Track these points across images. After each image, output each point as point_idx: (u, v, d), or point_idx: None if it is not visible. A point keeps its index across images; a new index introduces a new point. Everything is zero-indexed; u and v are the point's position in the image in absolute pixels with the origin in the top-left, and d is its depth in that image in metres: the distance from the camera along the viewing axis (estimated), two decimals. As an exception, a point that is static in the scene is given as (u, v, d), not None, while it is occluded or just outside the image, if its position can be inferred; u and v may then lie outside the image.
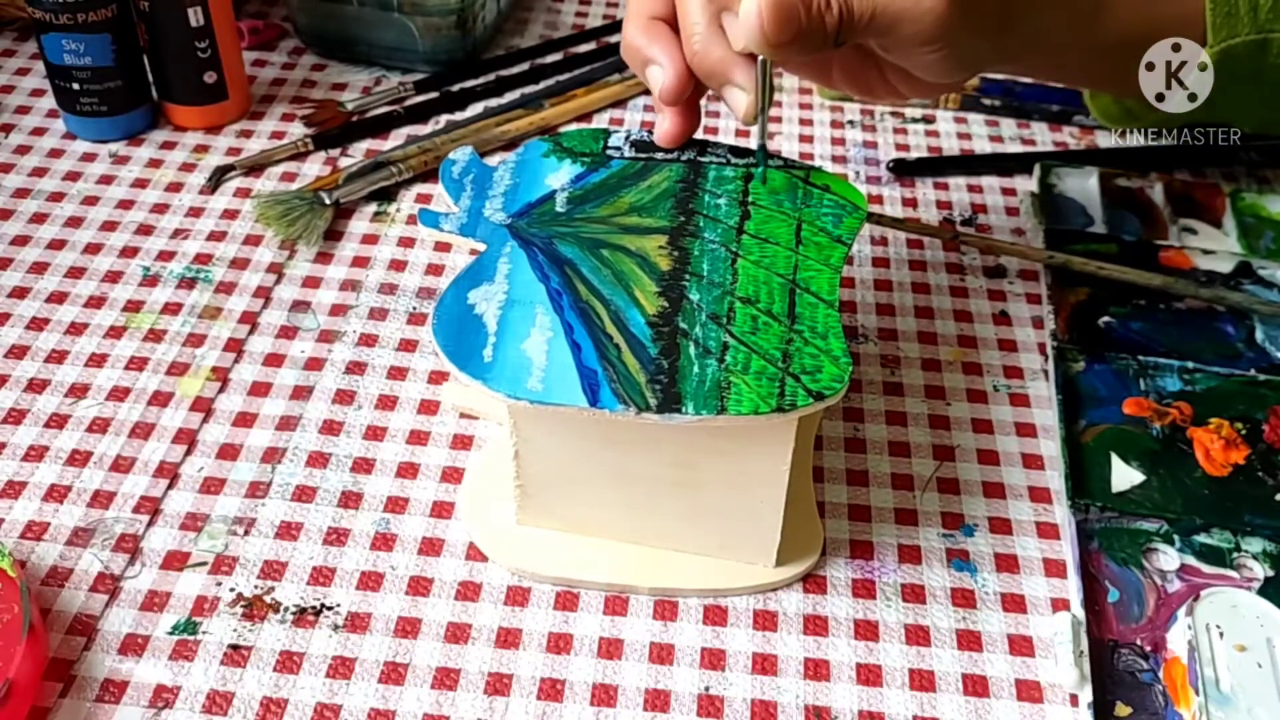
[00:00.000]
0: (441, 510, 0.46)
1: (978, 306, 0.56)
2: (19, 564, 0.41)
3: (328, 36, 0.70)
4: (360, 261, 0.57)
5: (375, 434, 0.49)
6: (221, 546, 0.44)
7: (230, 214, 0.59)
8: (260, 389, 0.50)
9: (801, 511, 0.45)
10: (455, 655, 0.41)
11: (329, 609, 0.42)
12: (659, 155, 0.46)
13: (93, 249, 0.57)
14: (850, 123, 0.67)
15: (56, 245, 0.57)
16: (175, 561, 0.43)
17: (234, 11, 0.63)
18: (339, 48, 0.70)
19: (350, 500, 0.46)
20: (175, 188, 0.61)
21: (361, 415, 0.49)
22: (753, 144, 0.45)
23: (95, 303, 0.54)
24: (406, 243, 0.58)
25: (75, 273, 0.55)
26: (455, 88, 0.69)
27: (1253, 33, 0.49)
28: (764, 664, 0.41)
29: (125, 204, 0.59)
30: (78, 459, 0.47)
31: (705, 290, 0.41)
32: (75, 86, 0.61)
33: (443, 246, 0.58)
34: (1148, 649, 0.41)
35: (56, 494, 0.45)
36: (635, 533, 0.44)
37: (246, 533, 0.45)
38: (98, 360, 0.51)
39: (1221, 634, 0.40)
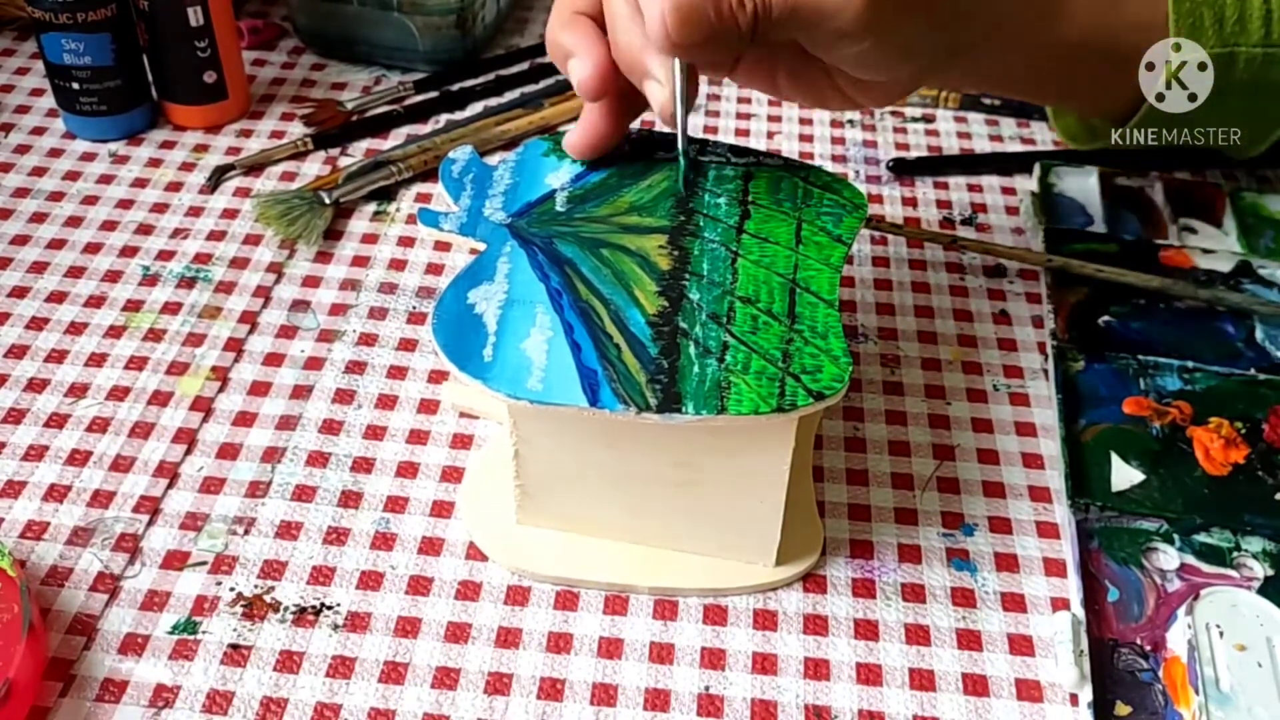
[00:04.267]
0: (441, 510, 0.46)
1: (978, 306, 0.56)
2: (19, 564, 0.41)
3: (327, 36, 0.70)
4: (360, 261, 0.57)
5: (375, 433, 0.49)
6: (221, 546, 0.44)
7: (230, 213, 0.59)
8: (260, 388, 0.50)
9: (801, 511, 0.45)
10: (455, 655, 0.41)
11: (329, 608, 0.42)
12: (659, 155, 0.46)
13: (92, 248, 0.57)
14: (850, 122, 0.67)
15: (56, 245, 0.57)
16: (175, 561, 0.43)
17: (234, 11, 0.63)
18: (339, 47, 0.70)
19: (350, 500, 0.46)
20: (175, 187, 0.61)
21: (361, 415, 0.49)
22: (752, 143, 0.45)
23: (95, 302, 0.54)
24: (406, 242, 0.58)
25: (75, 272, 0.55)
26: (455, 87, 0.68)
27: (1218, 46, 0.48)
28: (764, 663, 0.41)
29: (125, 203, 0.59)
30: (78, 458, 0.47)
31: (705, 290, 0.40)
32: (75, 86, 0.61)
33: (442, 246, 0.58)
34: (1148, 648, 0.41)
35: (56, 494, 0.45)
36: (635, 532, 0.44)
37: (246, 532, 0.45)
38: (97, 360, 0.51)
39: (1221, 633, 0.40)
